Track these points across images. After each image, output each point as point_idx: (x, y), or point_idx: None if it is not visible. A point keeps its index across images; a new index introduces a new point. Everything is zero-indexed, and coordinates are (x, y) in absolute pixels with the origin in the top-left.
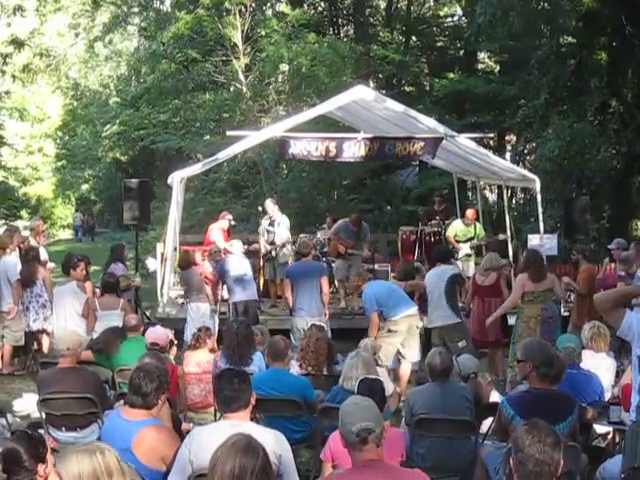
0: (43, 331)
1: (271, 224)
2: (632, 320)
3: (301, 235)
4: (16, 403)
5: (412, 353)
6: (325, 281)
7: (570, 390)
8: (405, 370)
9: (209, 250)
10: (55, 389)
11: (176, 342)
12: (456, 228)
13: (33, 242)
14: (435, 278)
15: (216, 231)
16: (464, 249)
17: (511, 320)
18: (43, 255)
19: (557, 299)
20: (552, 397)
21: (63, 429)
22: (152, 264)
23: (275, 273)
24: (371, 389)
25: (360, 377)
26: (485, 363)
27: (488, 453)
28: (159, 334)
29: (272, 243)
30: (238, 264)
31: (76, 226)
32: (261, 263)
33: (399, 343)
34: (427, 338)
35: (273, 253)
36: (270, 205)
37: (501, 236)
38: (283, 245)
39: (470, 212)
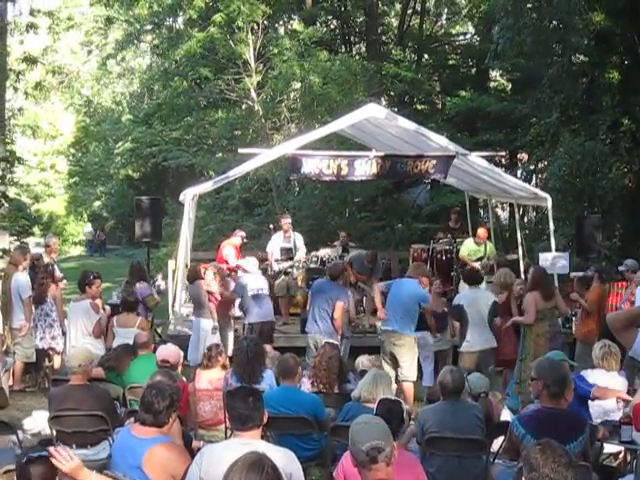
0: (51, 350)
1: (286, 240)
2: None
3: (319, 251)
4: (27, 420)
5: (408, 372)
6: (339, 306)
7: None
8: (408, 390)
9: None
10: (66, 406)
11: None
12: (468, 247)
13: (47, 259)
14: (478, 300)
15: (228, 248)
16: None
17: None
18: (57, 272)
19: (560, 314)
20: (563, 416)
21: (74, 446)
22: (160, 282)
23: (288, 290)
24: (390, 411)
25: (380, 397)
26: (500, 382)
27: (499, 472)
28: (170, 352)
29: (290, 259)
30: (255, 283)
31: (87, 240)
32: (273, 281)
33: (388, 358)
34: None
35: (293, 270)
36: (287, 220)
37: (511, 256)
38: (304, 260)
39: (482, 231)
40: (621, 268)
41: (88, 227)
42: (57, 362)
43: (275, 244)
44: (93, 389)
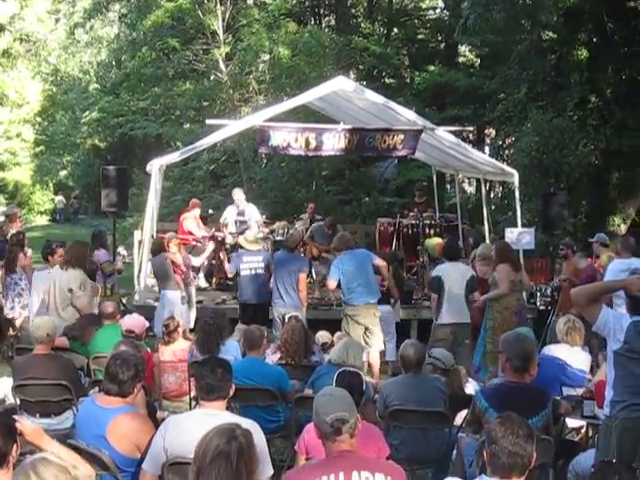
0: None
1: (240, 214)
2: (608, 316)
3: (274, 224)
4: None
5: (377, 341)
6: (302, 278)
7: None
8: (374, 359)
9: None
10: (30, 375)
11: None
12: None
13: (10, 229)
14: (456, 274)
15: (190, 220)
16: None
17: None
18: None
19: (525, 290)
20: (526, 390)
21: (37, 415)
22: (123, 252)
23: None
24: (350, 384)
25: (350, 362)
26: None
27: (466, 445)
28: (135, 322)
29: (243, 232)
30: (249, 262)
31: (57, 209)
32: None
33: (362, 333)
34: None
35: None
36: (239, 194)
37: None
38: (269, 231)
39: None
40: (591, 240)
41: (60, 198)
42: (19, 322)
43: (229, 216)
44: (57, 358)
